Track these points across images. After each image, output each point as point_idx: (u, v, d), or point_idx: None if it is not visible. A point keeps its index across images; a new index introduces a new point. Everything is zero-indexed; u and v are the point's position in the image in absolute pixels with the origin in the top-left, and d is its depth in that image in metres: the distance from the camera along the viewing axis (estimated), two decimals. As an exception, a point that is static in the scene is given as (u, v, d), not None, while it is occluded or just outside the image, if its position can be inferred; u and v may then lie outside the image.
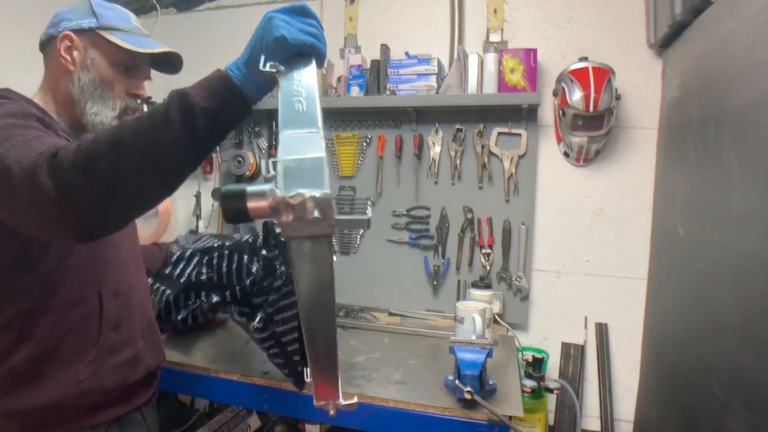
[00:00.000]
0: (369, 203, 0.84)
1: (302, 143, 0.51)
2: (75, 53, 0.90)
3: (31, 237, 0.76)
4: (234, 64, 0.66)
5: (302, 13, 0.68)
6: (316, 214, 0.46)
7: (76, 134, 0.92)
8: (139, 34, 0.96)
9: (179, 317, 1.36)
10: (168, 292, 1.38)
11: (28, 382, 0.82)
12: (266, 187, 0.48)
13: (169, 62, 1.00)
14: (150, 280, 1.38)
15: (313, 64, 0.67)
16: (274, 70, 0.63)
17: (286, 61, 0.65)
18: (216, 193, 2.16)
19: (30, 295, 0.82)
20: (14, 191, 0.61)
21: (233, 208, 0.50)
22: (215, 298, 1.31)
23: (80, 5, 0.93)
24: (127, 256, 1.00)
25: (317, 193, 0.46)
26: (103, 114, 0.92)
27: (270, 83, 0.67)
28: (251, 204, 0.49)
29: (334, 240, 0.89)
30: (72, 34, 0.89)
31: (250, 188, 0.50)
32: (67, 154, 0.60)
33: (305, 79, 0.63)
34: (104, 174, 0.60)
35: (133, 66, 0.96)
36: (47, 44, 0.92)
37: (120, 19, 0.94)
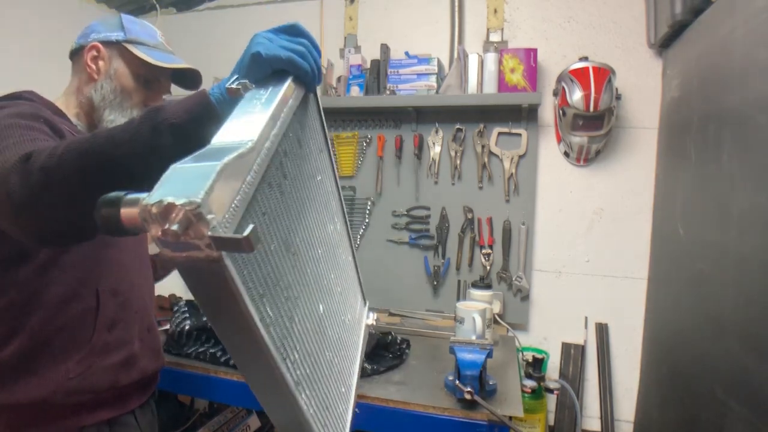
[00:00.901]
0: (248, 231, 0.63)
1: (218, 154, 0.41)
2: (101, 63, 0.95)
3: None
4: (217, 86, 0.62)
5: (291, 31, 0.64)
6: (176, 227, 0.35)
7: None
8: (164, 50, 1.01)
9: (185, 350, 1.37)
10: (187, 323, 1.39)
11: (16, 376, 0.82)
12: (144, 194, 0.38)
13: (191, 78, 1.05)
14: (183, 302, 1.42)
15: (288, 82, 0.58)
16: (239, 87, 0.56)
17: (263, 80, 0.59)
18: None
19: (23, 289, 0.82)
20: None
21: (105, 215, 0.42)
22: (222, 358, 1.32)
23: (112, 19, 0.99)
24: (130, 258, 0.99)
25: (182, 201, 0.35)
26: (119, 122, 0.95)
27: None
28: (124, 211, 0.40)
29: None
30: (100, 45, 0.95)
31: (129, 195, 0.41)
32: (40, 157, 0.58)
33: (270, 95, 0.55)
34: (68, 179, 0.58)
35: (153, 80, 1.01)
36: (76, 53, 0.97)
37: (146, 35, 0.99)
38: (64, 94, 0.98)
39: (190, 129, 0.60)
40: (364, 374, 1.33)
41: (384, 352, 1.44)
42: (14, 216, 0.60)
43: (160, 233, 0.36)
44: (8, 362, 0.81)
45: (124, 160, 0.58)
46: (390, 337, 1.44)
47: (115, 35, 0.95)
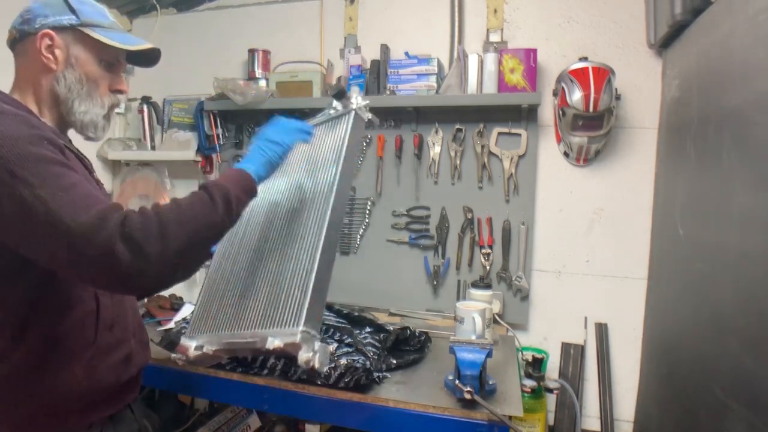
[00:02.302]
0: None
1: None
2: (57, 51, 0.88)
3: None
4: (256, 174, 0.89)
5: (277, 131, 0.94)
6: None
7: (62, 131, 0.92)
8: (118, 30, 0.95)
9: None
10: None
11: (27, 384, 0.82)
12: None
13: (147, 56, 1.00)
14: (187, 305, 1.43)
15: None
16: None
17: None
18: None
19: (27, 296, 0.81)
20: (78, 249, 0.69)
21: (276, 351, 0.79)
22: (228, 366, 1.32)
23: (55, 3, 0.90)
24: None
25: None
26: (93, 112, 0.92)
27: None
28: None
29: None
30: (52, 33, 0.87)
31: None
32: (136, 228, 0.70)
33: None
34: (176, 248, 0.73)
35: (114, 62, 0.95)
36: (20, 41, 0.89)
37: (99, 15, 0.93)
38: (17, 89, 0.90)
39: (246, 201, 0.87)
40: (389, 369, 1.33)
41: (405, 346, 1.44)
42: (129, 276, 0.71)
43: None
44: (19, 367, 0.81)
45: (213, 224, 0.80)
46: (408, 331, 1.44)
47: (67, 19, 0.88)
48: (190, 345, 0.94)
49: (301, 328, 0.77)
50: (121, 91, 0.97)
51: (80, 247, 0.69)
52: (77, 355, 0.86)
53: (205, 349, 0.91)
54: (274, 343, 0.78)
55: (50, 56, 0.88)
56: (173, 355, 0.96)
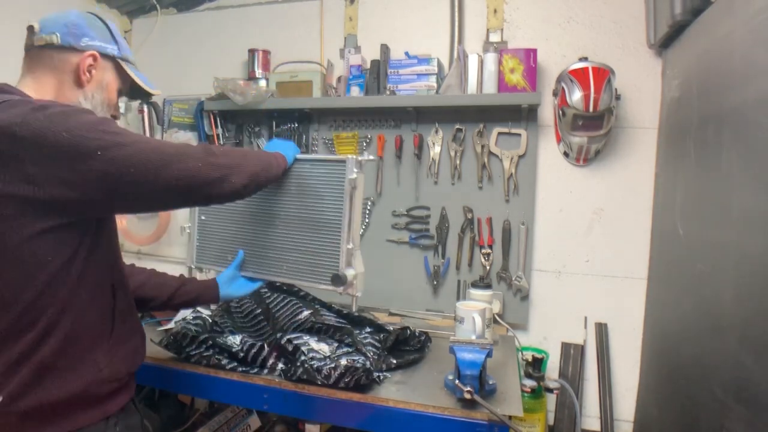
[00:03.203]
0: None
1: None
2: (94, 72, 0.96)
3: (84, 230, 0.87)
4: (291, 158, 1.22)
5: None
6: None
7: None
8: (137, 67, 1.07)
9: (187, 350, 1.33)
10: (193, 329, 1.37)
11: (55, 373, 0.85)
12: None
13: (147, 94, 1.12)
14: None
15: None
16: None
17: None
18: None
19: (62, 289, 0.85)
20: (209, 189, 0.91)
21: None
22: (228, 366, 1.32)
23: (99, 25, 0.99)
24: (118, 248, 1.03)
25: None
26: None
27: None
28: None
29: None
30: (98, 55, 0.96)
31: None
32: (240, 176, 0.96)
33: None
34: (259, 180, 1.04)
35: (124, 93, 1.07)
36: (58, 49, 0.93)
37: (129, 51, 1.04)
38: (32, 90, 0.92)
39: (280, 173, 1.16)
40: (389, 369, 1.34)
41: (405, 346, 1.44)
42: (238, 194, 0.99)
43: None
44: (46, 361, 0.84)
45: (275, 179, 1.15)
46: (408, 331, 1.45)
47: (111, 48, 0.98)
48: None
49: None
50: (116, 117, 1.06)
51: (206, 182, 0.91)
52: (98, 344, 0.91)
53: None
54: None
55: (88, 75, 0.95)
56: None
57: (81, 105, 0.94)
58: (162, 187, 0.85)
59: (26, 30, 0.95)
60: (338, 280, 1.18)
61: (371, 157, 1.25)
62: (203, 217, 1.40)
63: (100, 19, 1.00)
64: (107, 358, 0.92)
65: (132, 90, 1.07)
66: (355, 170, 1.20)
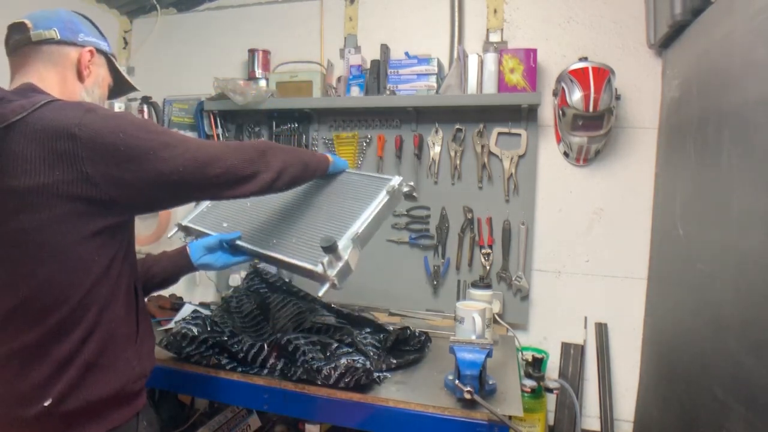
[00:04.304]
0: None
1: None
2: (92, 68, 0.99)
3: (124, 231, 0.91)
4: (334, 167, 1.29)
5: None
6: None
7: None
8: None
9: (187, 350, 1.32)
10: (194, 329, 1.33)
11: (97, 372, 0.87)
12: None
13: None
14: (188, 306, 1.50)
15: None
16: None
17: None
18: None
19: (104, 288, 0.87)
20: (242, 182, 0.96)
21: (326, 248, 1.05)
22: (228, 366, 1.31)
23: (88, 23, 1.01)
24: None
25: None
26: None
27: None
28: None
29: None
30: (95, 51, 0.99)
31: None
32: (268, 171, 1.01)
33: None
34: (290, 175, 1.07)
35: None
36: (57, 44, 0.94)
37: (112, 49, 1.07)
38: (52, 91, 0.91)
39: (317, 176, 1.25)
40: (389, 369, 1.35)
41: (405, 346, 1.44)
42: (267, 189, 1.02)
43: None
44: (90, 359, 0.86)
45: (305, 173, 1.16)
46: (408, 331, 1.45)
47: (104, 45, 1.02)
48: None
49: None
50: None
51: (243, 178, 0.97)
52: (129, 343, 0.93)
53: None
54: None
55: (88, 70, 0.98)
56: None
57: (84, 100, 0.96)
58: (204, 184, 0.91)
59: (9, 28, 0.94)
60: (329, 247, 1.05)
61: (412, 184, 1.31)
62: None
63: (86, 17, 1.02)
64: (137, 355, 0.94)
65: (115, 86, 1.10)
66: (400, 181, 1.25)
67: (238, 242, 1.21)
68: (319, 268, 1.06)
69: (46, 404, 0.82)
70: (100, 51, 1.00)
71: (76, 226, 0.82)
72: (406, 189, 1.29)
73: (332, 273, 1.06)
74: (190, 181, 0.88)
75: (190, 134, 2.22)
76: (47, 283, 0.82)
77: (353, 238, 1.12)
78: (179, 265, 1.21)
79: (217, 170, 0.90)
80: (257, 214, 1.30)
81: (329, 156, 1.27)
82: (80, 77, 0.97)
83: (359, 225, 1.14)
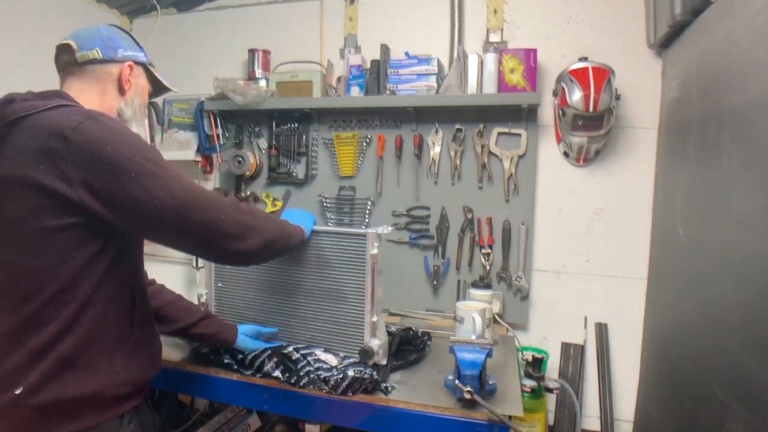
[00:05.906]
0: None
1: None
2: (132, 80, 1.05)
3: (110, 234, 0.90)
4: (309, 231, 1.28)
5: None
6: None
7: None
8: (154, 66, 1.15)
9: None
10: None
11: (74, 369, 0.87)
12: None
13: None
14: None
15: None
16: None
17: None
18: None
19: (85, 286, 0.88)
20: (225, 243, 0.95)
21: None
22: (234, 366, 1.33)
23: (126, 36, 1.08)
24: (142, 259, 1.07)
25: None
26: (139, 132, 1.03)
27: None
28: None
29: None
30: (134, 64, 1.05)
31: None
32: (257, 239, 1.01)
33: None
34: (275, 248, 1.10)
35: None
36: (100, 63, 1.01)
37: (148, 57, 1.12)
38: (87, 103, 0.97)
39: (300, 244, 1.26)
40: (391, 370, 1.34)
41: (407, 347, 1.45)
42: (251, 260, 1.09)
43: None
44: (66, 356, 0.86)
45: (288, 245, 1.16)
46: (411, 332, 1.46)
47: (142, 56, 1.08)
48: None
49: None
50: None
51: (228, 237, 0.96)
52: (117, 347, 0.93)
53: None
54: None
55: (129, 83, 1.05)
56: None
57: (123, 111, 1.04)
58: (182, 226, 0.89)
59: (57, 49, 1.01)
60: (365, 354, 1.23)
61: (389, 229, 1.33)
62: (220, 284, 1.43)
63: (123, 29, 1.09)
64: (124, 361, 0.94)
65: (154, 90, 1.16)
66: (376, 245, 1.24)
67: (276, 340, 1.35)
68: (370, 362, 1.24)
69: (17, 392, 0.83)
70: (137, 63, 1.07)
71: (51, 219, 0.83)
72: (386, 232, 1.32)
73: (380, 360, 1.25)
74: (165, 217, 0.87)
75: (189, 135, 2.23)
76: (24, 273, 0.85)
77: (375, 320, 1.25)
78: (224, 334, 1.30)
79: (199, 217, 0.89)
80: (266, 306, 1.37)
81: (302, 226, 1.25)
82: (122, 91, 1.04)
83: (372, 308, 1.25)
